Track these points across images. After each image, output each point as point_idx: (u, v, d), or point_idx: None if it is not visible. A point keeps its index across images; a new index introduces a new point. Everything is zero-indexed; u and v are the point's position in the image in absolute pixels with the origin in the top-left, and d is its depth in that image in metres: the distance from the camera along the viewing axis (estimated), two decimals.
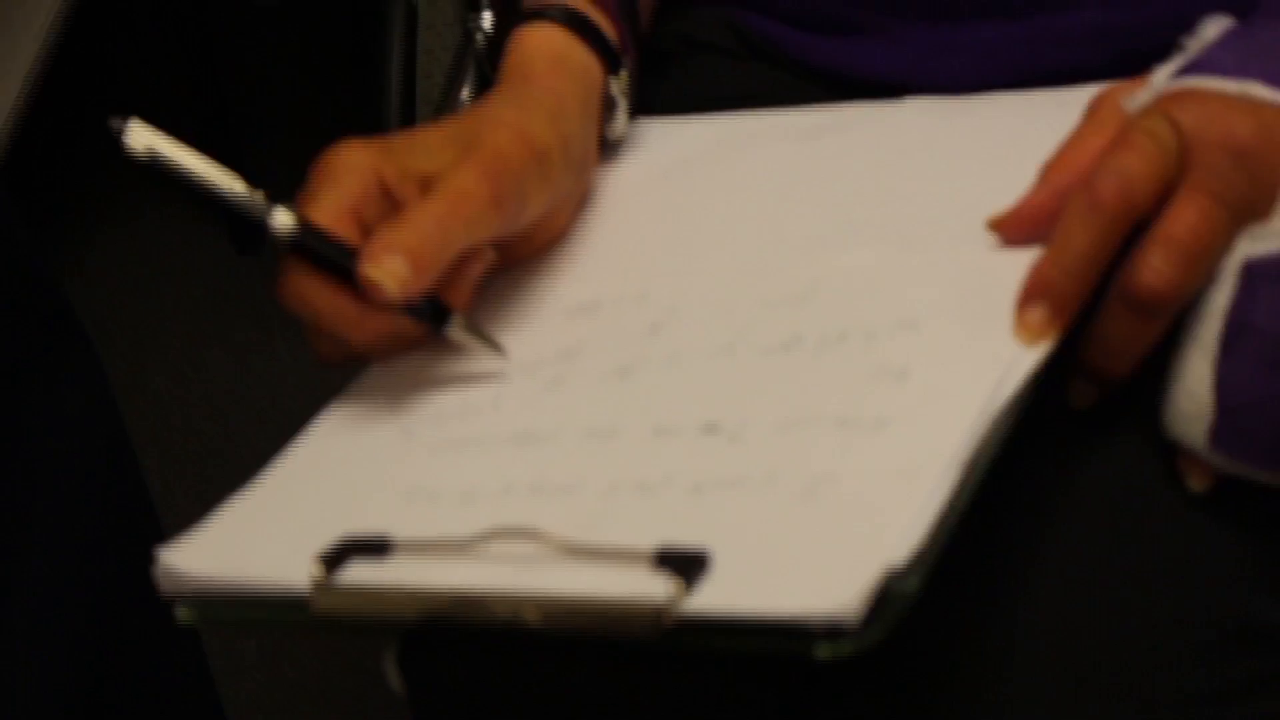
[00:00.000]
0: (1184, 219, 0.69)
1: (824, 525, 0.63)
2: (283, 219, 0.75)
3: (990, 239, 0.74)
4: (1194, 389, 0.70)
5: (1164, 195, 0.70)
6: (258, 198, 0.76)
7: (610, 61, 0.87)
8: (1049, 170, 0.74)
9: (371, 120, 1.16)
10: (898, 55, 0.91)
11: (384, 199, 0.77)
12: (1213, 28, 0.76)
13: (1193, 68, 0.73)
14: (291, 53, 2.22)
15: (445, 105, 1.02)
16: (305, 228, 0.75)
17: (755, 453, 0.68)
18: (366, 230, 0.75)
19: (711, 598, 0.60)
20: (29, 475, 1.07)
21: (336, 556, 0.67)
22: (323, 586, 0.66)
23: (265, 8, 2.28)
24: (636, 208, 0.86)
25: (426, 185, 0.77)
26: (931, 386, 0.68)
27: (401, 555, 0.67)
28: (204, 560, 0.69)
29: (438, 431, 0.75)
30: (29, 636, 1.06)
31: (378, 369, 0.80)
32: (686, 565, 0.62)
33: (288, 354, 1.90)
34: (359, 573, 0.67)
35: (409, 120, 1.14)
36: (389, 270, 0.73)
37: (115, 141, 0.76)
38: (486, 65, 0.91)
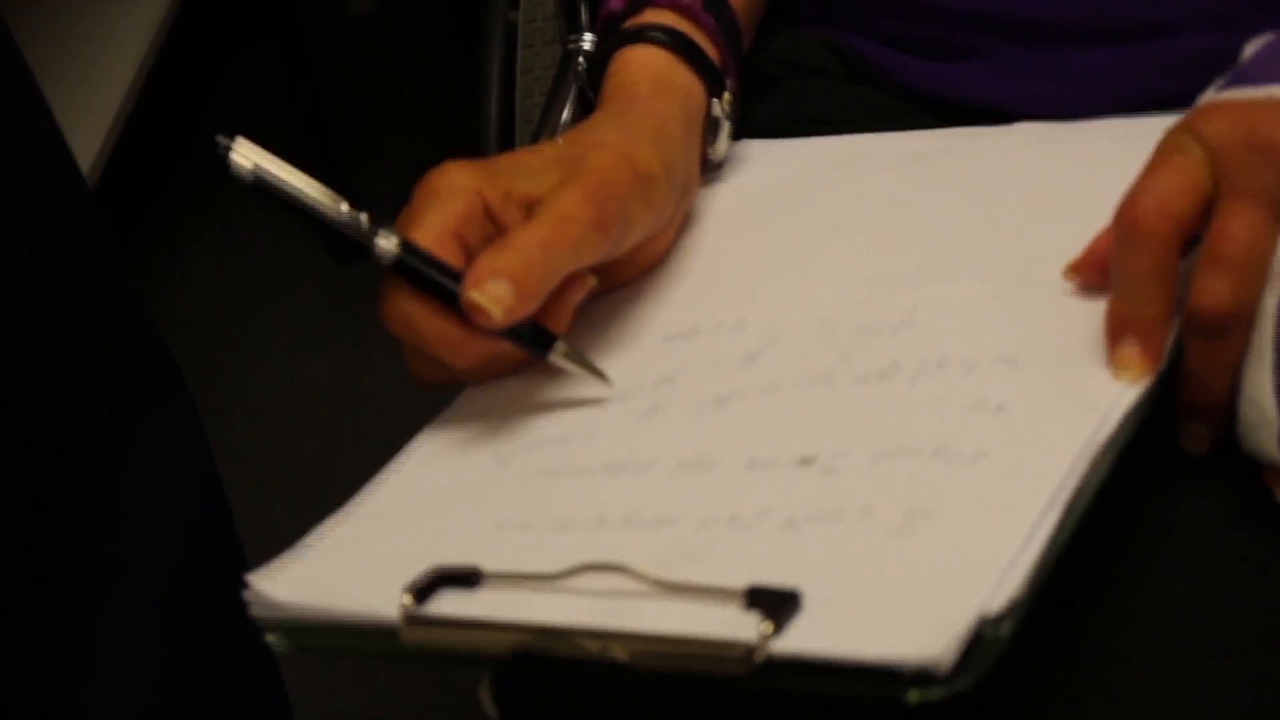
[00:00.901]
0: (1227, 231, 0.68)
1: (918, 564, 0.62)
2: (387, 241, 0.75)
3: None
4: (1256, 397, 0.69)
5: (1204, 207, 0.69)
6: (362, 219, 0.76)
7: (713, 82, 0.86)
8: (1120, 209, 0.73)
9: (469, 137, 1.16)
10: (1003, 80, 0.90)
11: (487, 221, 0.77)
12: (1251, 45, 0.76)
13: (1224, 85, 0.73)
14: (389, 63, 2.22)
15: (545, 125, 1.02)
16: (409, 250, 0.75)
17: (850, 485, 0.67)
18: (469, 252, 0.75)
19: (802, 638, 0.60)
20: (121, 516, 1.09)
21: (427, 587, 0.67)
22: (413, 617, 0.66)
23: (363, 16, 2.29)
24: (736, 230, 0.86)
25: (530, 208, 0.77)
26: (1030, 422, 0.68)
27: (492, 586, 0.67)
28: (295, 588, 0.69)
29: (532, 459, 0.75)
30: (113, 673, 1.07)
31: (473, 394, 0.80)
32: (778, 604, 0.61)
33: (386, 367, 1.90)
34: (449, 603, 0.66)
35: (507, 138, 1.14)
36: (493, 295, 0.73)
37: (219, 158, 0.76)
38: (588, 87, 0.90)
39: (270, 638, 0.70)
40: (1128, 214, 0.69)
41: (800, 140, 0.90)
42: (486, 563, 0.67)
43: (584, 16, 1.04)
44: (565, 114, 1.00)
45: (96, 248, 1.10)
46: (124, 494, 1.09)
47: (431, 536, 0.72)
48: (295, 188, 0.76)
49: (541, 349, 0.76)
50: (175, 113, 2.16)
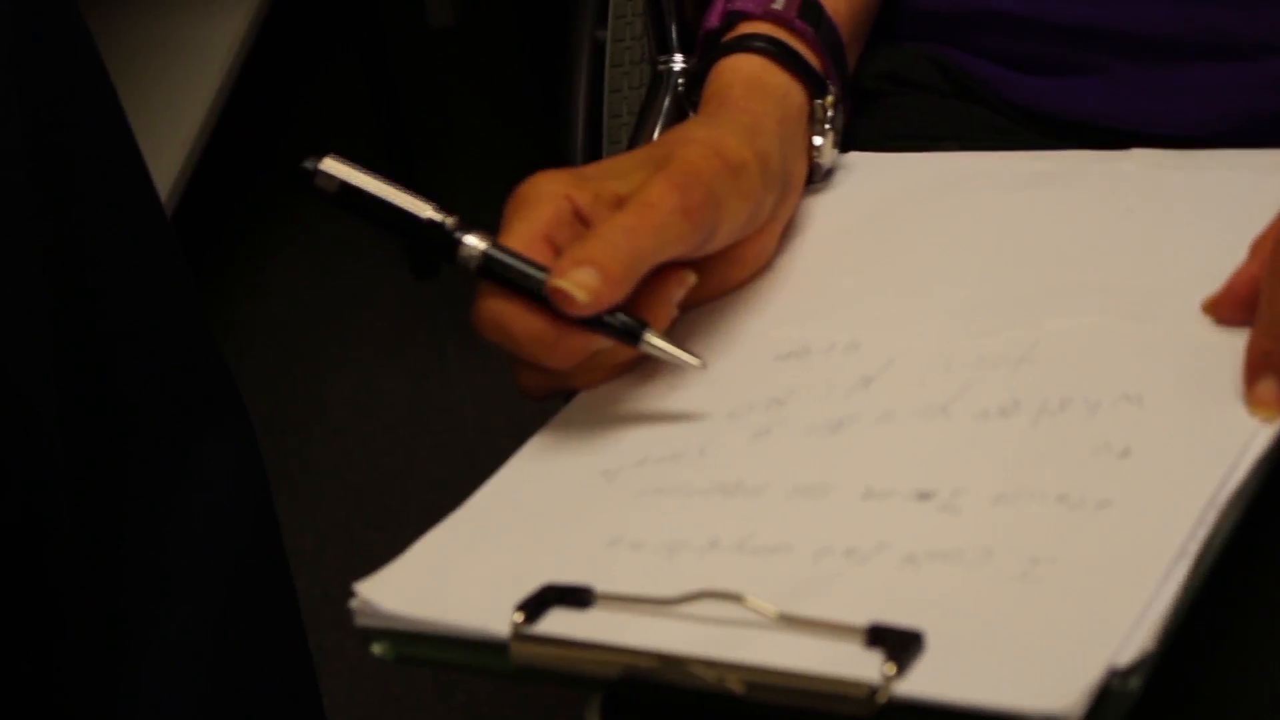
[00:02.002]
0: None
1: (1043, 612, 0.61)
2: (473, 242, 0.75)
3: None
4: None
5: None
6: (448, 222, 0.76)
7: (812, 84, 0.86)
8: (1258, 243, 0.72)
9: (549, 151, 1.16)
10: (1116, 97, 0.89)
11: (577, 224, 0.77)
12: None
13: None
14: (468, 77, 2.23)
15: (635, 145, 1.02)
16: (496, 250, 0.75)
17: (970, 525, 0.66)
18: (560, 255, 0.75)
19: (926, 682, 0.59)
20: (175, 537, 1.09)
21: (538, 604, 0.66)
22: (523, 636, 0.65)
23: (442, 29, 2.29)
24: (846, 245, 0.85)
25: (621, 207, 0.77)
26: (1157, 468, 0.66)
27: (603, 607, 0.66)
28: (403, 598, 0.69)
29: (640, 476, 0.74)
30: (163, 691, 1.07)
31: (576, 406, 0.79)
32: (900, 645, 0.60)
33: (465, 381, 1.90)
34: (560, 622, 0.66)
35: (593, 158, 1.14)
36: (578, 281, 0.73)
37: (303, 177, 0.77)
38: (686, 103, 0.90)
39: (376, 647, 0.69)
40: None
41: (908, 155, 0.90)
42: (596, 581, 0.66)
43: (674, 37, 1.04)
44: (656, 134, 1.01)
45: (168, 268, 1.11)
46: (178, 516, 1.09)
47: (540, 551, 0.71)
48: (382, 196, 0.76)
49: (632, 338, 0.76)
50: (255, 125, 2.17)
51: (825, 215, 0.87)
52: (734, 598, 0.63)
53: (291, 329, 1.99)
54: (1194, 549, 0.62)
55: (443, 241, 0.76)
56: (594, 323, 0.75)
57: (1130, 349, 0.73)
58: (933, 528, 0.66)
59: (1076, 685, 0.57)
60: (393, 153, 1.98)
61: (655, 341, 0.76)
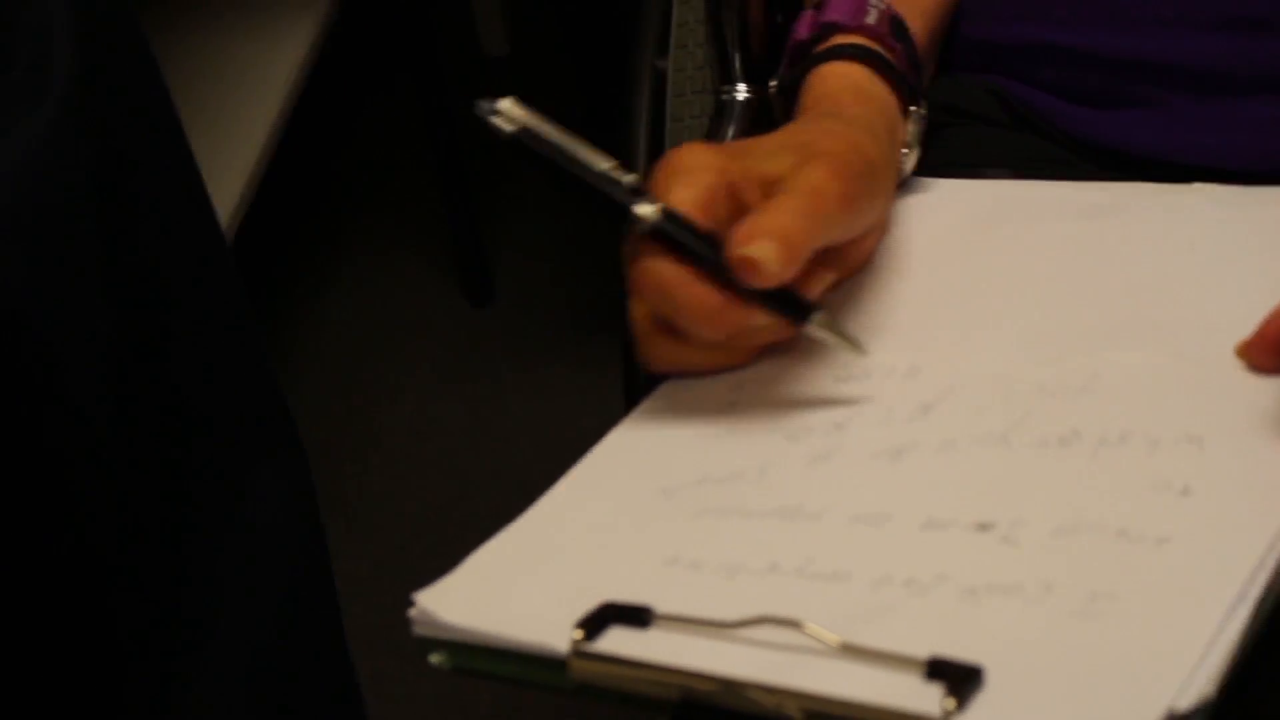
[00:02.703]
0: None
1: (1103, 650, 0.61)
2: (648, 205, 0.75)
3: None
4: None
5: None
6: (625, 179, 0.76)
7: (906, 97, 0.87)
8: None
9: None
10: (1172, 130, 0.89)
11: (731, 198, 0.77)
12: None
13: None
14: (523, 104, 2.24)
15: None
16: (672, 213, 0.75)
17: (1030, 558, 0.66)
18: (717, 225, 0.76)
19: (986, 717, 0.59)
20: (226, 566, 1.10)
21: (597, 622, 0.66)
22: (582, 653, 0.65)
23: (496, 58, 2.30)
24: (907, 269, 0.85)
25: (767, 188, 0.77)
26: (1217, 509, 0.66)
27: (662, 628, 0.66)
28: (462, 607, 0.69)
29: (700, 497, 0.74)
30: (209, 716, 1.08)
31: (635, 421, 0.80)
32: (960, 679, 0.60)
33: (520, 408, 1.91)
34: (619, 641, 0.66)
35: None
36: (765, 252, 0.73)
37: (479, 121, 0.77)
38: (778, 109, 0.91)
39: (434, 657, 0.69)
40: None
41: (970, 181, 0.90)
42: (655, 599, 0.67)
43: (738, 67, 1.04)
44: None
45: (229, 299, 1.12)
46: (231, 543, 1.10)
47: (599, 567, 0.71)
48: (560, 143, 0.77)
49: (801, 316, 0.77)
50: (312, 153, 2.19)
51: (887, 240, 0.87)
52: (794, 624, 0.63)
53: (348, 356, 2.00)
54: (1255, 593, 0.61)
55: (615, 195, 0.76)
56: (765, 296, 0.75)
57: (1192, 388, 0.73)
58: (992, 560, 0.66)
59: None
60: (448, 181, 1.98)
61: (821, 329, 0.77)
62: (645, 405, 0.81)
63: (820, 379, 0.79)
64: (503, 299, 2.03)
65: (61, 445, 0.97)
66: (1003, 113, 0.95)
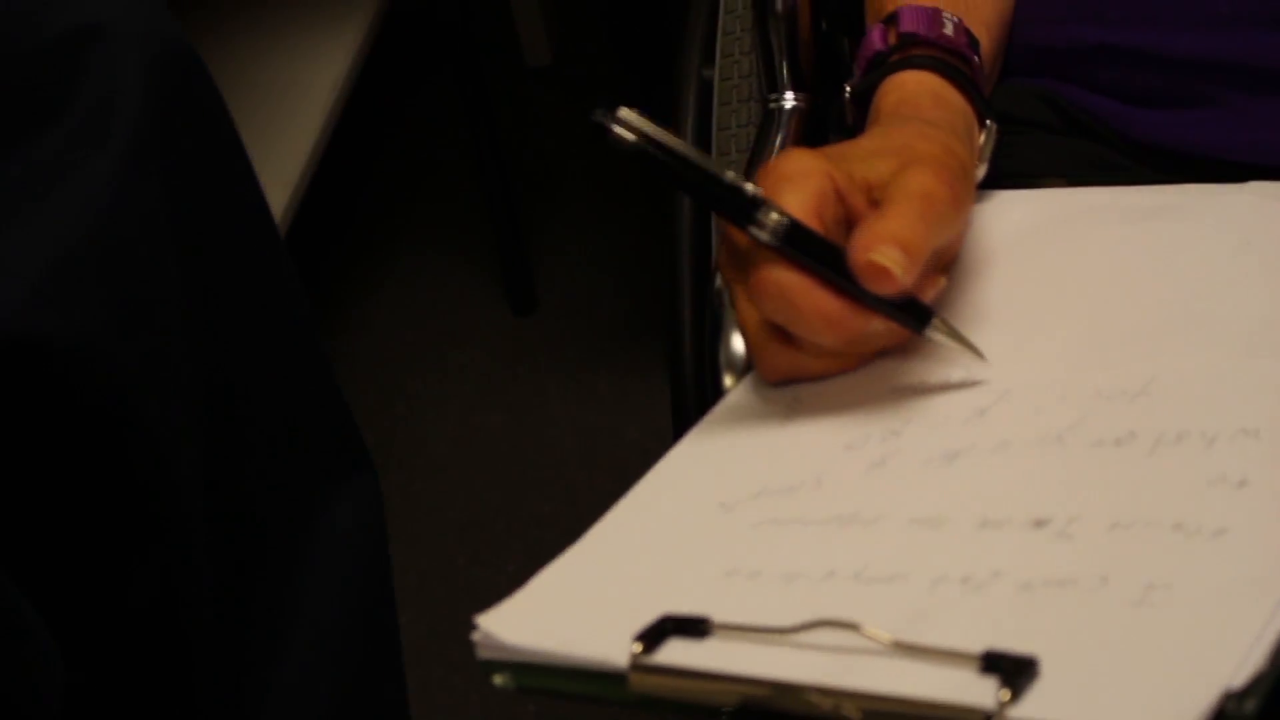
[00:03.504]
0: None
1: (1158, 637, 0.61)
2: (772, 214, 0.75)
3: None
4: None
5: None
6: (748, 189, 0.77)
7: (980, 108, 0.88)
8: None
9: (651, 189, 1.17)
10: (1234, 129, 0.89)
11: (839, 202, 0.78)
12: None
13: None
14: (566, 115, 2.24)
15: (748, 178, 1.03)
16: (795, 222, 0.76)
17: (1085, 552, 0.66)
18: (827, 232, 0.77)
19: (1041, 706, 0.59)
20: (299, 590, 1.11)
21: (656, 635, 0.67)
22: (642, 665, 0.66)
23: (538, 68, 2.31)
24: (959, 278, 0.85)
25: (869, 192, 0.78)
26: (1274, 498, 0.66)
27: (720, 637, 0.66)
28: (524, 630, 0.70)
29: (758, 508, 0.74)
30: None
31: (694, 437, 0.80)
32: (1015, 671, 0.60)
33: (564, 417, 1.91)
34: (677, 652, 0.66)
35: None
36: (892, 257, 0.74)
37: (599, 131, 0.76)
38: (849, 115, 0.91)
39: (497, 678, 0.70)
40: None
41: (1025, 191, 0.90)
42: (714, 610, 0.67)
43: (785, 75, 1.05)
44: None
45: (299, 323, 1.13)
46: (305, 568, 1.11)
47: (658, 581, 0.72)
48: (683, 153, 0.77)
49: (920, 322, 0.77)
50: (356, 163, 2.19)
51: None
52: (850, 626, 0.64)
53: (393, 366, 2.01)
54: None
55: (739, 206, 0.76)
56: (887, 303, 0.76)
57: (1248, 384, 0.73)
58: (1048, 555, 0.66)
59: (1192, 708, 0.57)
60: (491, 190, 1.99)
61: (941, 334, 0.78)
62: (704, 422, 0.82)
63: (876, 388, 0.79)
64: (546, 307, 2.03)
65: (147, 479, 0.99)
66: (1056, 118, 0.95)
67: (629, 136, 0.76)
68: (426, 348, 2.02)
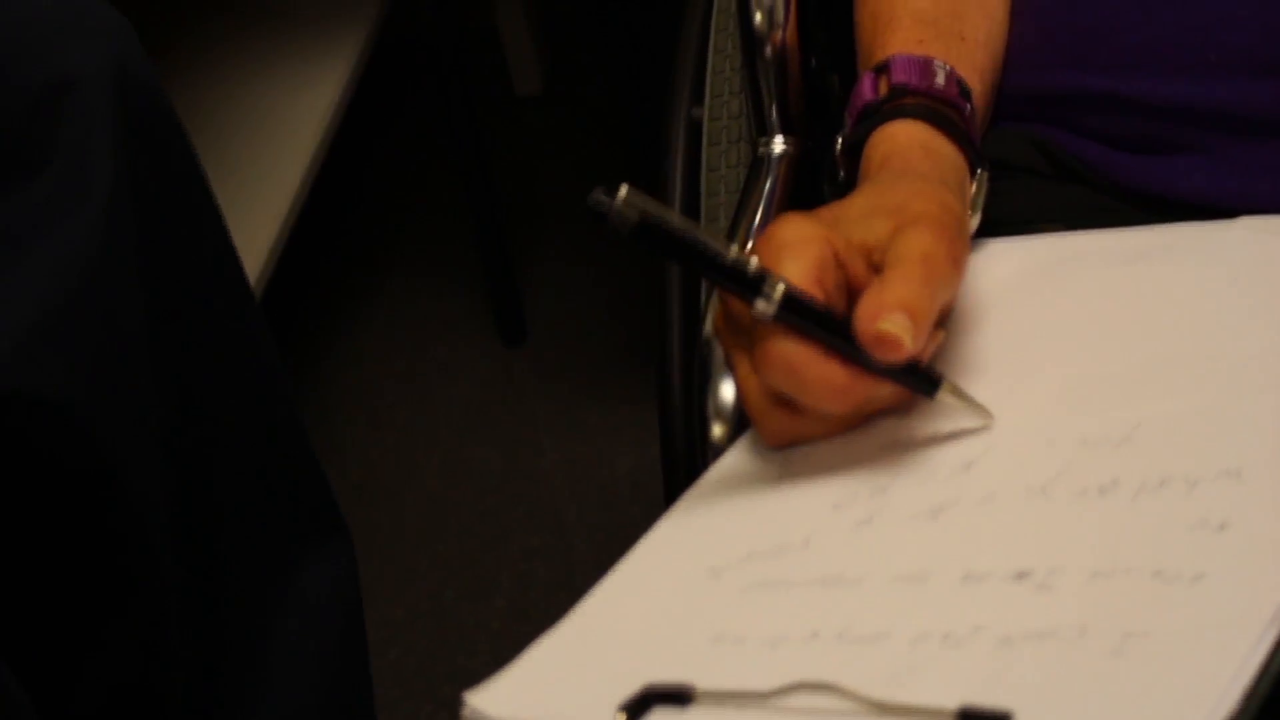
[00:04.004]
0: None
1: (1133, 687, 0.61)
2: (774, 287, 0.75)
3: None
4: None
5: None
6: (752, 263, 0.76)
7: (972, 159, 0.88)
8: None
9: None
10: (1218, 175, 0.89)
11: (838, 268, 0.78)
12: None
13: None
14: (556, 144, 2.24)
15: (736, 227, 1.02)
16: (796, 296, 0.75)
17: (1065, 604, 0.66)
18: (827, 299, 0.76)
19: None
20: (270, 651, 1.11)
21: (640, 705, 0.67)
22: None
23: (528, 97, 2.31)
24: (954, 330, 0.84)
25: (868, 255, 0.78)
26: (1254, 539, 0.66)
27: (704, 705, 0.66)
28: (511, 704, 0.70)
29: (747, 573, 0.74)
30: None
31: (688, 501, 0.80)
32: None
33: (554, 449, 1.91)
34: None
35: None
36: (899, 325, 0.74)
37: (595, 213, 0.75)
38: (840, 166, 0.91)
39: None
40: None
41: (1015, 239, 0.90)
42: (700, 678, 0.67)
43: (774, 118, 1.04)
44: (759, 218, 1.01)
45: (273, 388, 1.13)
46: (277, 632, 1.11)
47: (647, 651, 0.72)
48: (685, 233, 0.76)
49: (929, 386, 0.77)
50: (344, 193, 2.19)
51: None
52: (828, 688, 0.64)
53: (383, 396, 2.00)
54: None
55: (742, 282, 0.76)
56: (894, 370, 0.75)
57: (1231, 422, 0.73)
58: (1029, 608, 0.67)
59: None
60: (481, 220, 1.99)
61: (951, 397, 0.77)
62: (697, 486, 0.81)
63: (866, 444, 0.79)
64: (536, 338, 2.03)
65: (123, 540, 0.98)
66: (1046, 164, 0.95)
67: (630, 217, 0.75)
68: (415, 378, 2.02)
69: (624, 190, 0.75)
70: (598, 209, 0.75)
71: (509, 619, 1.70)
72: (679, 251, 0.77)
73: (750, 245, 0.82)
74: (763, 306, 0.75)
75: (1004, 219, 0.91)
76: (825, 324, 0.75)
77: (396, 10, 2.11)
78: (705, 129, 1.15)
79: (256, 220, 1.77)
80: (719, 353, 0.92)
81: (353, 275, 2.14)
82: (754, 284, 0.75)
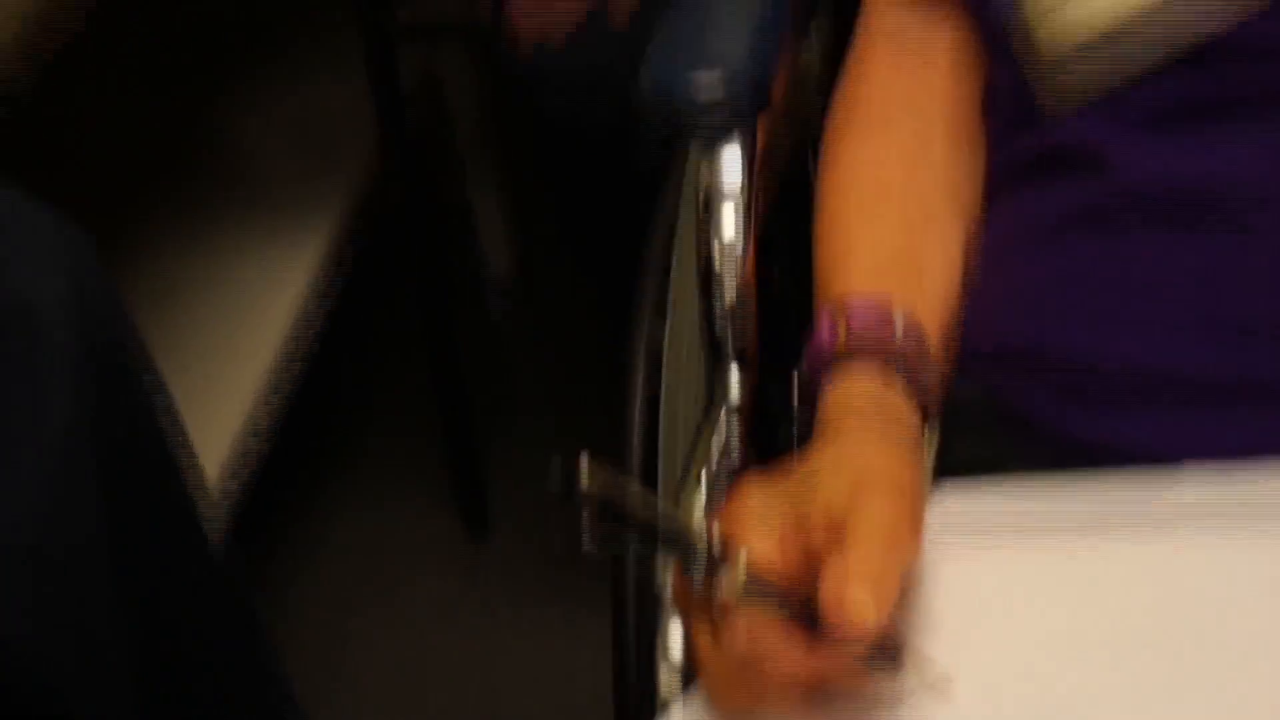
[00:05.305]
0: None
1: None
2: (739, 567, 0.75)
3: None
4: None
5: None
6: (716, 542, 0.76)
7: (926, 416, 0.89)
8: None
9: (610, 433, 1.16)
10: (1170, 431, 0.89)
11: (799, 534, 0.78)
12: None
13: None
14: (530, 357, 2.24)
15: (692, 464, 1.03)
16: (757, 580, 0.75)
17: None
18: (791, 570, 0.77)
19: None
20: None
21: None
22: None
23: (502, 317, 2.30)
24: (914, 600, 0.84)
25: (829, 517, 0.78)
26: None
27: None
28: None
29: None
30: None
31: None
32: None
33: (514, 640, 1.90)
34: None
35: (650, 464, 1.14)
36: (862, 605, 0.74)
37: (553, 481, 0.75)
38: (797, 405, 0.92)
39: None
40: None
41: (969, 543, 0.87)
42: None
43: (733, 389, 1.04)
44: (714, 464, 1.01)
45: (230, 615, 1.12)
46: None
47: None
48: (642, 508, 0.77)
49: (894, 661, 0.77)
50: (311, 383, 2.18)
51: None
52: None
53: (345, 588, 1.99)
54: None
55: (701, 560, 0.76)
56: (858, 645, 0.76)
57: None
58: None
59: None
60: (450, 413, 1.98)
61: (913, 666, 0.77)
62: None
63: (830, 705, 0.79)
64: (499, 533, 2.02)
65: None
66: (992, 416, 0.95)
67: (591, 491, 0.75)
68: (380, 569, 2.01)
69: (585, 464, 0.75)
70: (557, 486, 0.75)
71: None
72: (640, 532, 0.77)
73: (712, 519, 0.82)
74: (729, 586, 0.75)
75: (952, 471, 0.91)
76: (787, 605, 0.75)
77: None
78: (667, 343, 1.15)
79: (224, 415, 1.77)
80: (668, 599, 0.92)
81: (319, 467, 2.13)
82: (718, 565, 0.76)
